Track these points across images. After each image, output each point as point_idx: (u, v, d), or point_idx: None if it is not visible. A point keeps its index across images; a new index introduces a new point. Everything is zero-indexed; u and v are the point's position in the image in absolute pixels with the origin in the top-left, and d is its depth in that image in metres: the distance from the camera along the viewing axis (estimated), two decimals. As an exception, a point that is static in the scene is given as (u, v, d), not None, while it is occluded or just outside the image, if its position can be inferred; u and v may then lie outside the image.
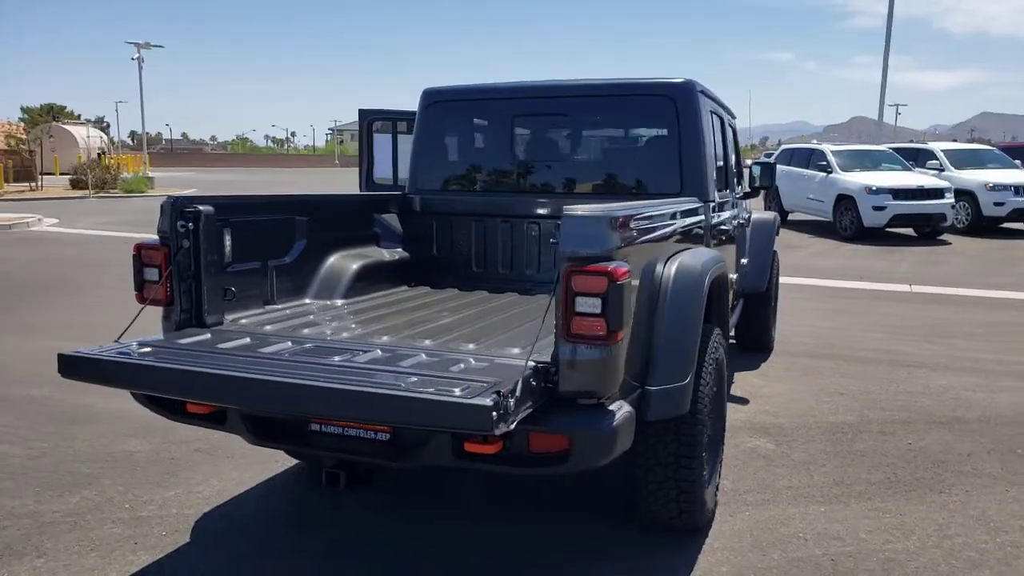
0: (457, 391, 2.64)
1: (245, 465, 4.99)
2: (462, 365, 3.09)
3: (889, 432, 5.71)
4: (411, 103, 6.30)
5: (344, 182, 29.24)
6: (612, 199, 5.42)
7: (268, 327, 3.88)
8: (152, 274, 3.70)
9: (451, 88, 5.84)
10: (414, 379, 2.82)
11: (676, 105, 5.07)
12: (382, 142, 7.21)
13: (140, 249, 3.72)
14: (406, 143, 7.08)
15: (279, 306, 4.37)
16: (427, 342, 3.58)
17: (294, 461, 4.99)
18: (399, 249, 5.48)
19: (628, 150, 5.71)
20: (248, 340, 3.52)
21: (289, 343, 3.48)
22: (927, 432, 5.72)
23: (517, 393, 2.62)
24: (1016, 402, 6.44)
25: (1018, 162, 21.64)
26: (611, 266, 2.85)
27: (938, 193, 18.56)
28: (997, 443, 5.50)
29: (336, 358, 3.20)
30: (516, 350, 3.36)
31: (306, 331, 3.80)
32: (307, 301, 4.59)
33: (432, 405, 2.56)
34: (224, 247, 3.93)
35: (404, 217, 5.68)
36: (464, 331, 3.86)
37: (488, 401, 2.48)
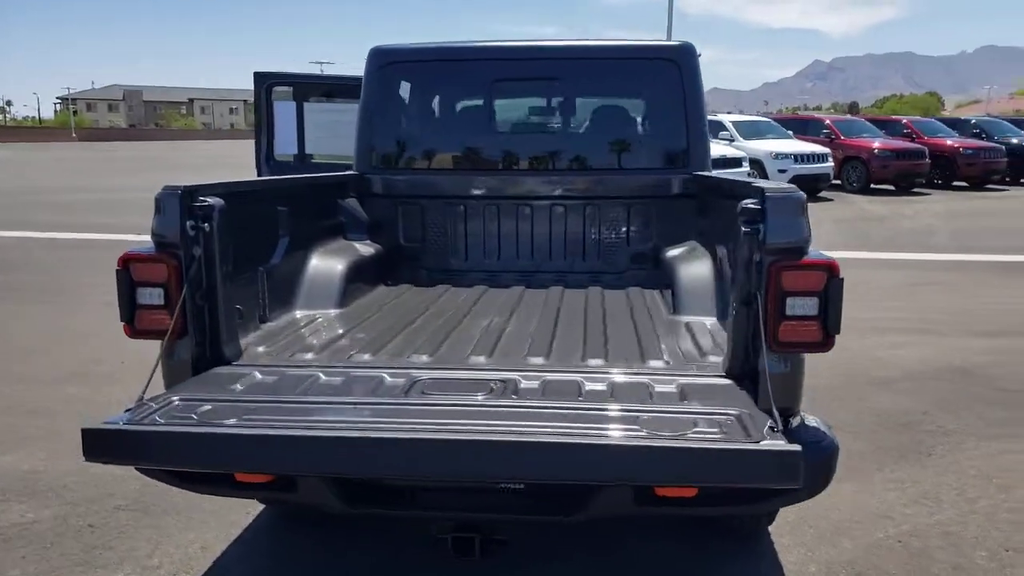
0: (739, 434, 2.15)
1: (200, 521, 3.98)
2: (659, 394, 2.59)
3: (837, 397, 5.84)
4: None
5: (124, 158, 26.12)
6: (614, 176, 5.10)
7: (305, 355, 3.12)
8: (151, 296, 2.77)
9: (409, 48, 5.11)
10: (644, 418, 2.29)
11: (680, 70, 4.75)
12: (283, 112, 6.32)
13: (130, 262, 2.75)
14: (313, 112, 6.29)
15: (276, 323, 3.59)
16: (539, 360, 3.02)
17: (260, 507, 4.06)
18: (367, 240, 4.75)
19: (627, 120, 5.28)
20: (318, 378, 2.79)
21: (383, 376, 2.79)
22: (870, 394, 5.91)
23: (778, 426, 2.21)
24: (922, 357, 6.86)
25: (790, 132, 23.64)
26: (827, 258, 2.50)
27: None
28: (937, 399, 5.79)
29: (463, 397, 2.56)
30: (700, 363, 2.93)
31: (365, 357, 3.09)
32: (298, 314, 3.82)
33: (715, 457, 2.04)
34: (232, 253, 3.12)
35: (362, 201, 4.94)
36: (561, 343, 3.31)
37: (796, 446, 2.02)
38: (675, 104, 4.83)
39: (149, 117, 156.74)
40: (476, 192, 5.03)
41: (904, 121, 26.92)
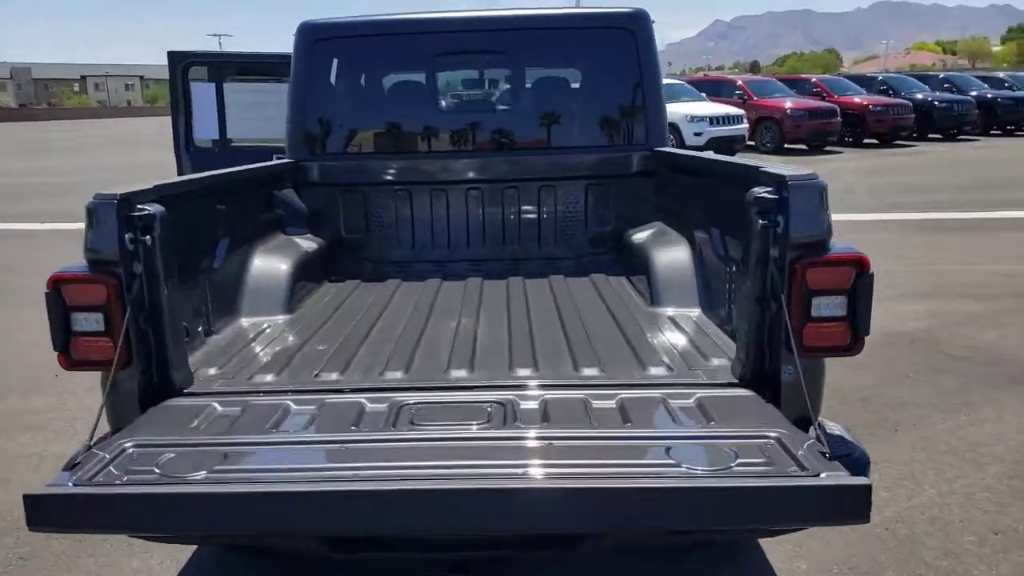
0: (788, 464, 1.95)
1: (143, 548, 3.55)
2: (678, 411, 2.36)
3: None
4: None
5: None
6: (568, 154, 4.82)
7: (264, 376, 2.79)
8: (89, 322, 2.42)
9: (343, 22, 4.69)
10: (676, 448, 2.05)
11: (636, 39, 4.50)
12: (201, 93, 5.81)
13: (62, 284, 2.39)
14: (234, 93, 5.82)
15: (223, 336, 3.24)
16: (527, 372, 2.75)
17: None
18: (308, 234, 4.37)
19: (579, 94, 5.00)
20: (288, 408, 2.47)
21: (362, 403, 2.49)
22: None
23: (827, 450, 1.99)
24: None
25: (704, 95, 23.84)
26: (855, 251, 2.30)
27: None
28: (887, 370, 5.78)
29: (460, 427, 2.28)
30: (707, 368, 2.72)
31: (334, 376, 2.78)
32: (245, 323, 3.46)
33: (773, 497, 1.82)
34: (176, 264, 2.75)
35: (301, 191, 4.55)
36: (546, 348, 3.05)
37: (864, 480, 1.83)
38: (630, 75, 4.60)
39: (40, 96, 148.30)
40: (421, 176, 4.71)
41: (813, 80, 27.45)
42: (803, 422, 2.37)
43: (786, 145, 23.05)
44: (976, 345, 6.27)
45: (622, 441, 2.16)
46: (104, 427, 2.45)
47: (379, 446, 2.19)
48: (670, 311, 3.50)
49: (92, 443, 2.19)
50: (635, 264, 4.10)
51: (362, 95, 4.97)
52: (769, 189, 2.38)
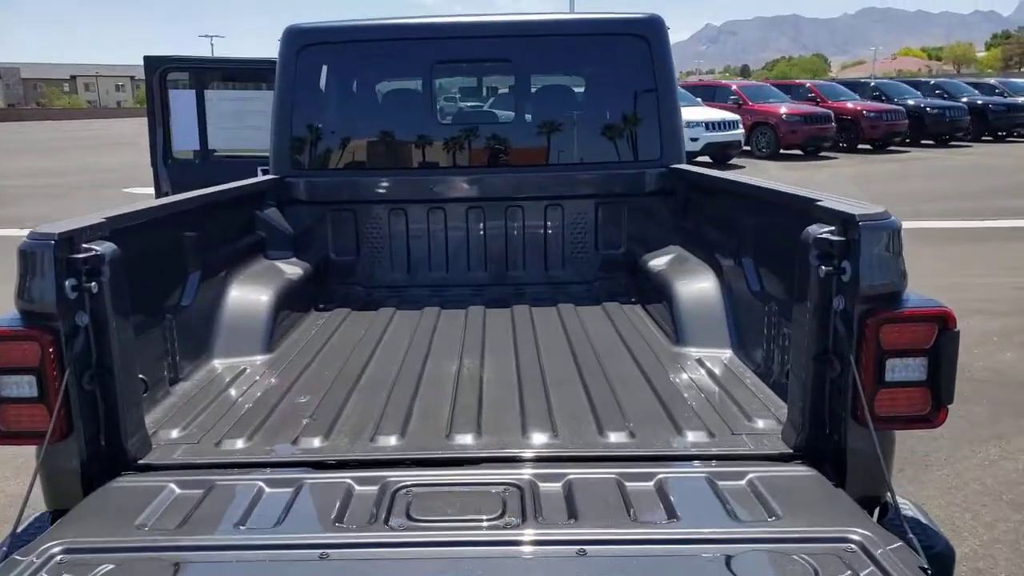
0: None
1: None
2: (730, 496, 2.00)
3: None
4: None
5: None
6: (578, 171, 4.48)
7: (235, 441, 2.42)
8: (19, 386, 2.03)
9: (332, 26, 4.34)
10: (740, 557, 1.70)
11: (651, 47, 4.17)
12: (181, 101, 5.44)
13: None
14: (216, 101, 5.46)
15: (191, 382, 2.87)
16: (544, 439, 2.41)
17: None
18: (293, 258, 4.01)
19: (590, 106, 4.66)
20: (261, 491, 2.09)
21: (349, 485, 2.11)
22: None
23: (925, 563, 1.65)
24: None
25: (699, 99, 23.54)
26: (937, 304, 1.96)
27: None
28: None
29: (468, 523, 1.92)
30: (752, 430, 2.38)
31: (316, 442, 2.41)
32: (218, 365, 3.10)
33: None
34: (131, 309, 2.36)
35: (285, 210, 4.19)
36: (563, 404, 2.68)
37: None
38: (645, 86, 4.27)
39: (29, 96, 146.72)
40: (417, 193, 4.37)
41: (808, 85, 27.23)
42: (868, 501, 2.03)
43: (782, 150, 22.78)
44: (998, 368, 5.97)
45: (672, 547, 1.80)
46: (42, 506, 2.08)
47: (367, 556, 1.81)
48: (698, 352, 3.16)
49: (16, 530, 1.81)
50: (652, 292, 3.77)
51: (354, 105, 4.62)
52: (832, 228, 2.04)
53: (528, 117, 4.56)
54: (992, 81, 32.68)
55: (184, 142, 5.48)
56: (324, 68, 4.38)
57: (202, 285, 3.09)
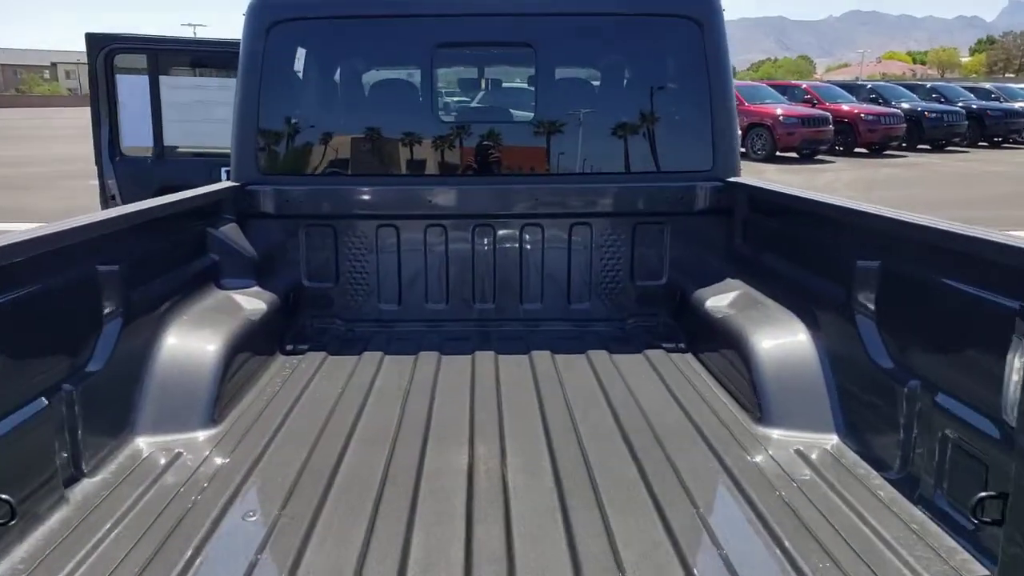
0: None
1: None
2: None
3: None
4: None
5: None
6: (611, 184, 3.70)
7: None
8: None
9: (310, 0, 3.56)
10: None
11: (703, 32, 3.43)
12: (132, 88, 4.60)
13: None
14: (174, 90, 4.65)
15: (98, 478, 2.11)
16: None
17: None
18: (255, 287, 3.22)
19: (628, 103, 3.88)
20: None
21: None
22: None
23: None
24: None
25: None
26: None
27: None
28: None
29: None
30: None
31: None
32: (143, 447, 2.33)
33: None
34: None
35: (246, 226, 3.39)
36: (624, 530, 1.97)
37: None
38: (695, 80, 3.51)
39: (8, 83, 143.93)
40: (412, 207, 3.60)
41: (804, 86, 26.62)
42: None
43: (778, 153, 22.16)
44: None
45: None
46: None
47: None
48: (791, 437, 2.41)
49: None
50: (711, 340, 3.01)
51: (336, 97, 3.84)
52: None
53: (550, 116, 3.78)
54: (988, 86, 32.19)
55: (135, 136, 4.66)
56: (299, 50, 3.58)
57: (124, 335, 2.31)
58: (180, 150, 5.08)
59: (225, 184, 3.48)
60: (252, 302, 3.14)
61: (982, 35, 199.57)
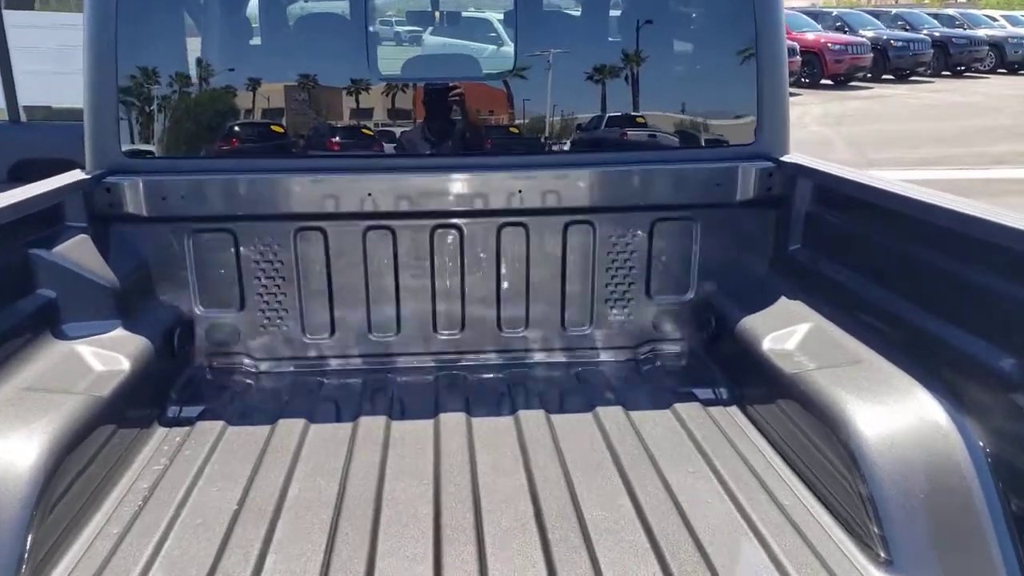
0: None
1: None
2: None
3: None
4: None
5: None
6: (622, 166, 2.71)
7: None
8: None
9: None
10: None
11: None
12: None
13: None
14: (24, 30, 3.59)
15: None
16: None
17: None
18: (118, 329, 2.26)
19: (641, 56, 2.86)
20: None
21: None
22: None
23: None
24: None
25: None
26: None
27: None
28: None
29: None
30: None
31: None
32: None
33: None
34: None
35: (105, 238, 2.39)
36: None
37: None
38: (738, 31, 2.61)
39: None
40: (345, 202, 2.60)
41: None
42: None
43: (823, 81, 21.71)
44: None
45: None
46: None
47: None
48: None
49: None
50: (770, 397, 2.15)
51: (230, 38, 2.79)
52: None
53: (534, 68, 2.76)
54: (952, 12, 31.49)
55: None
56: None
57: None
58: (56, 109, 4.01)
59: (66, 179, 2.42)
60: (111, 356, 2.16)
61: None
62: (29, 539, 1.64)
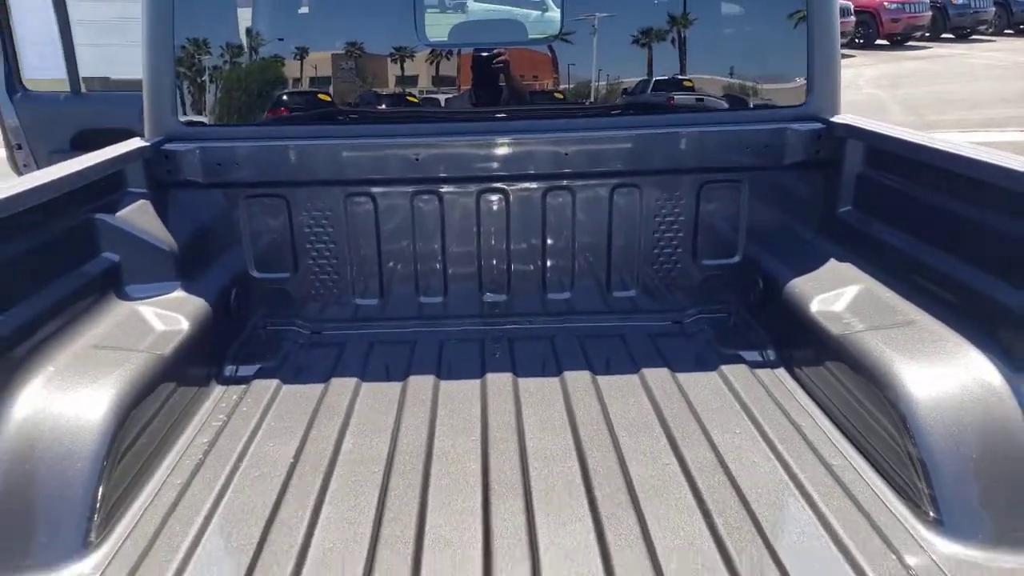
0: None
1: None
2: None
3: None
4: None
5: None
6: (668, 128, 2.73)
7: None
8: None
9: None
10: None
11: None
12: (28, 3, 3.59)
13: None
14: (87, 4, 3.68)
15: None
16: None
17: None
18: (178, 291, 2.35)
19: (689, 18, 2.86)
20: None
21: None
22: None
23: None
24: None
25: None
26: None
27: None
28: None
29: None
30: None
31: None
32: None
33: None
34: None
35: (164, 204, 2.48)
36: None
37: None
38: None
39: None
40: (394, 168, 2.67)
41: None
42: None
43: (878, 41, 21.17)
44: None
45: None
46: None
47: None
48: (996, 561, 1.53)
49: None
50: (818, 360, 2.16)
51: (282, 11, 2.82)
52: None
53: (580, 33, 2.76)
54: (1013, -33, 30.31)
55: (40, 65, 3.66)
56: None
57: None
58: (114, 80, 4.11)
59: (127, 146, 2.51)
60: (172, 317, 2.25)
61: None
62: (100, 490, 1.74)
